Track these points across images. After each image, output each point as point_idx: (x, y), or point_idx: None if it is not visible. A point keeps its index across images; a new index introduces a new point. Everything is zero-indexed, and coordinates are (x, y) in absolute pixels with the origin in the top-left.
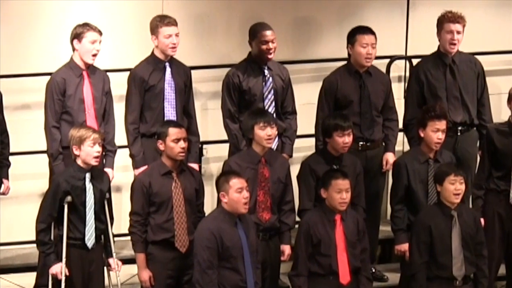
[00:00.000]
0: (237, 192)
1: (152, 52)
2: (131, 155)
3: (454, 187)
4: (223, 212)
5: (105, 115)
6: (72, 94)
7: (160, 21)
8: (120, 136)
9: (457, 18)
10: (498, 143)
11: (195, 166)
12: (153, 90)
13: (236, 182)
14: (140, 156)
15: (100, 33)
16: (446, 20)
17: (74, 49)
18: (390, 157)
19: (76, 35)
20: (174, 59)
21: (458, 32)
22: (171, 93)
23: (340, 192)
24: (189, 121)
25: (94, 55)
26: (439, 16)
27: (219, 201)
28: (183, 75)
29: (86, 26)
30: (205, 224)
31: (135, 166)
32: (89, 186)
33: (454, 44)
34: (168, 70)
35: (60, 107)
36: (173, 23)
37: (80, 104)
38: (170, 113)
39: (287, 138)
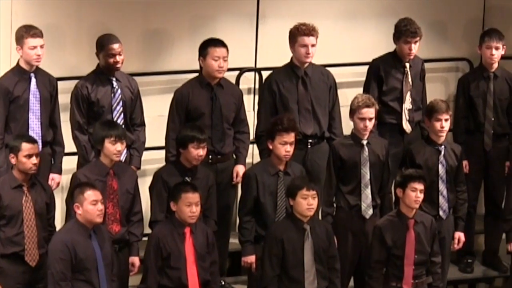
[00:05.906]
0: (92, 204)
1: (18, 63)
2: None
3: (307, 202)
4: (77, 224)
5: None
6: None
7: (26, 32)
8: None
9: (311, 31)
10: (345, 157)
11: (57, 176)
12: (18, 101)
13: (90, 194)
14: (4, 167)
15: None
16: (300, 34)
17: None
18: (240, 170)
19: None
20: (40, 69)
21: (313, 45)
22: (36, 104)
23: (190, 206)
24: (54, 131)
25: None
26: (291, 28)
27: (67, 213)
28: (48, 85)
29: None
30: (59, 235)
31: None
32: None
33: (309, 57)
34: (33, 80)
35: None
36: (39, 34)
37: None
38: (34, 124)
39: (135, 150)
